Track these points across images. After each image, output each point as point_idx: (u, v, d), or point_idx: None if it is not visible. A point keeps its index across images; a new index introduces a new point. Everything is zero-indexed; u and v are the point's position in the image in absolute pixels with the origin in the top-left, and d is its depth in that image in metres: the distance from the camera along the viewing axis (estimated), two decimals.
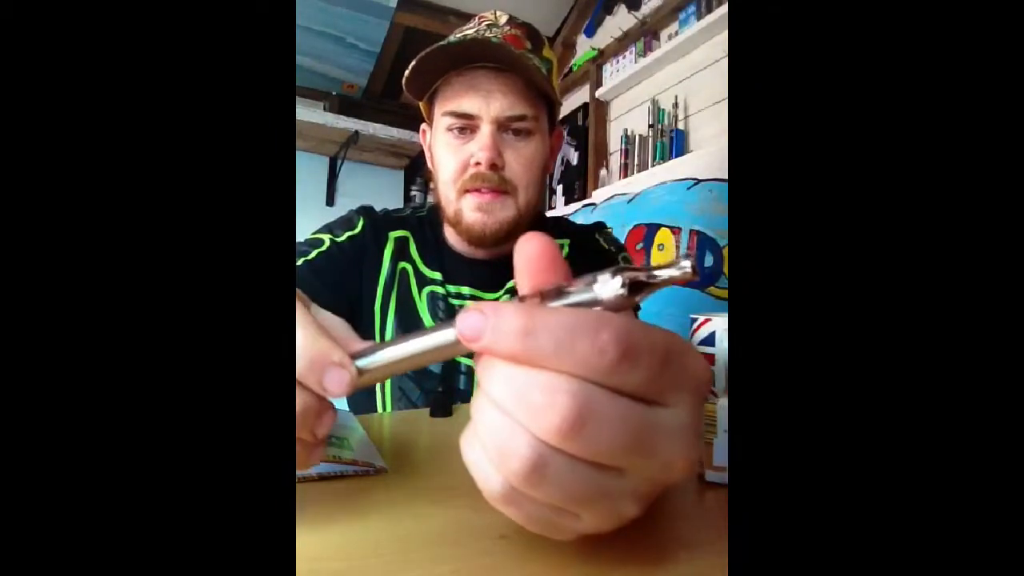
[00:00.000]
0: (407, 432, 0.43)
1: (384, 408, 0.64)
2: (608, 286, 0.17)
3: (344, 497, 0.26)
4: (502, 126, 0.60)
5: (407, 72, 0.60)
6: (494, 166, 0.59)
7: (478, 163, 0.59)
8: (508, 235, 0.61)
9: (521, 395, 0.16)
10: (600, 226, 0.77)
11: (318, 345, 0.19)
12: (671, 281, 0.17)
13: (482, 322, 0.16)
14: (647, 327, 0.17)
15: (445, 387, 0.48)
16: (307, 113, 2.24)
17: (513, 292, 0.67)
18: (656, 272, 0.17)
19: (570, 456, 0.16)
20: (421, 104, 0.66)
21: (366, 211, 0.69)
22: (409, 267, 0.67)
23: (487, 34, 0.60)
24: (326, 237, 0.64)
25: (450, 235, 0.67)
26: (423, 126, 0.69)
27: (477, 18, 0.65)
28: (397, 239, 0.67)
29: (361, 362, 0.19)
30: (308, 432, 0.20)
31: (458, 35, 0.63)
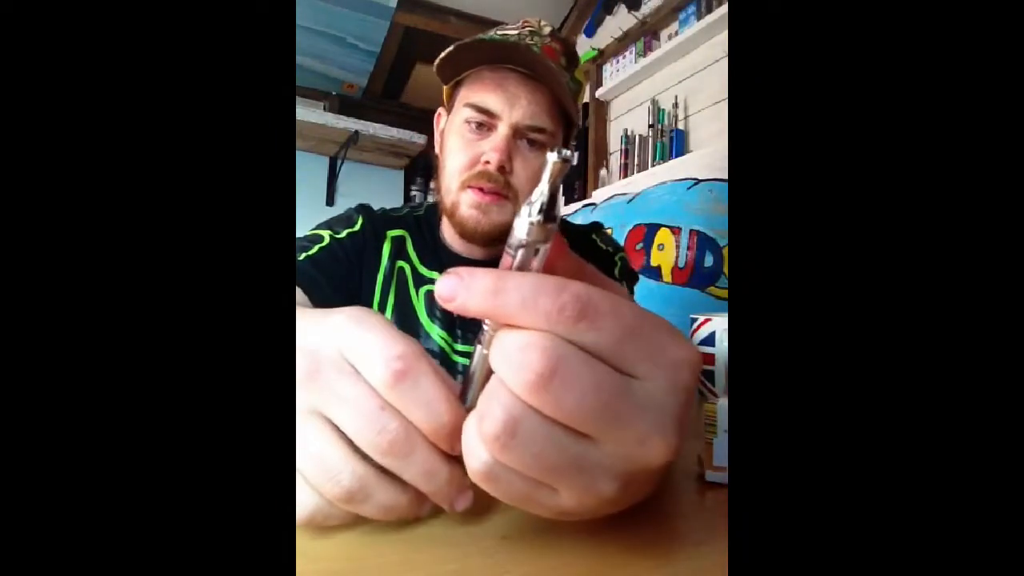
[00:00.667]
0: None
1: None
2: (521, 222, 0.18)
3: None
4: (519, 133, 0.60)
5: (442, 55, 0.60)
6: (502, 168, 0.59)
7: (487, 162, 0.59)
8: (500, 237, 0.61)
9: (502, 352, 0.17)
10: (597, 226, 0.77)
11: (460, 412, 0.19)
12: (553, 177, 0.17)
13: (456, 283, 0.17)
14: (614, 298, 0.17)
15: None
16: (307, 113, 2.24)
17: None
18: (540, 189, 0.18)
19: (542, 418, 0.17)
20: (445, 88, 0.66)
21: (365, 209, 0.70)
22: (407, 266, 0.67)
23: (528, 41, 0.61)
24: (326, 233, 0.65)
25: (447, 234, 0.68)
26: (440, 109, 0.69)
27: (522, 22, 0.66)
28: (395, 238, 0.68)
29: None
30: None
31: (500, 34, 0.63)
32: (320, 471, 0.19)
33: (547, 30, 0.63)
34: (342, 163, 2.60)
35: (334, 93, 2.63)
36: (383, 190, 2.75)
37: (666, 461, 0.18)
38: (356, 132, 2.35)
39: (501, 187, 0.60)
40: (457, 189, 0.61)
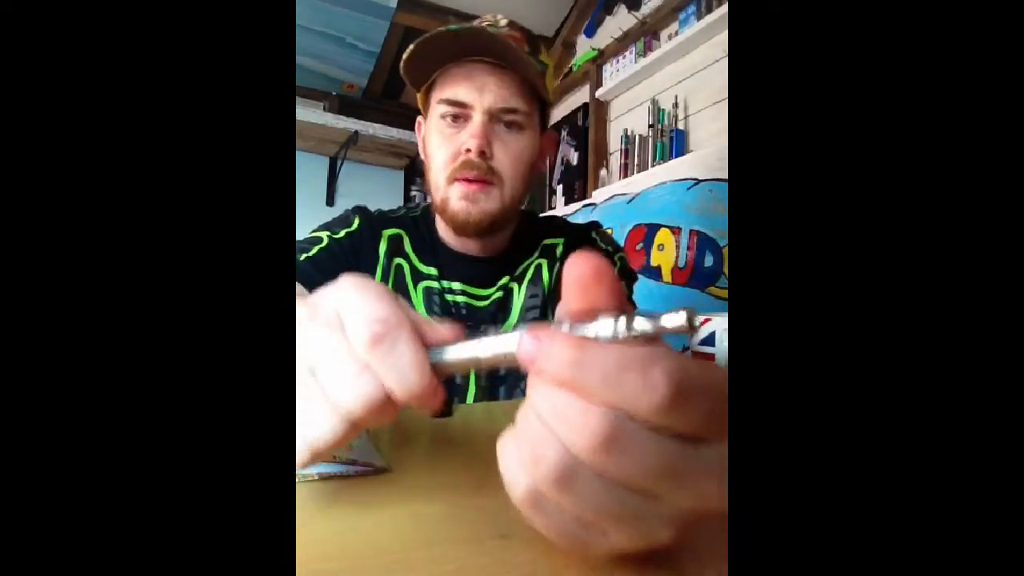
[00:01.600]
0: (407, 432, 0.43)
1: None
2: (606, 330, 0.17)
3: (344, 497, 0.26)
4: (494, 117, 0.62)
5: (406, 55, 0.61)
6: (483, 154, 0.61)
7: (468, 150, 0.60)
8: (492, 225, 0.64)
9: (559, 410, 0.16)
10: (596, 225, 0.78)
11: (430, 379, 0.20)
12: (663, 332, 0.16)
13: (536, 348, 0.17)
14: (704, 365, 0.16)
15: (445, 387, 0.49)
16: (307, 113, 2.24)
17: (504, 289, 0.69)
18: (649, 325, 0.16)
19: (599, 472, 0.16)
20: (418, 95, 0.68)
21: (361, 210, 0.72)
22: (404, 263, 0.68)
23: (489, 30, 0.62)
24: (324, 235, 0.66)
25: (443, 231, 0.69)
26: (419, 118, 0.71)
27: (479, 20, 0.67)
28: (391, 236, 0.69)
29: (434, 357, 0.21)
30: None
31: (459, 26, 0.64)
32: (307, 425, 0.20)
33: (504, 22, 0.64)
34: (342, 163, 2.60)
35: (334, 93, 2.63)
36: (383, 190, 2.75)
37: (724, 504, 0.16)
38: (356, 132, 2.35)
39: (485, 173, 0.61)
40: (445, 184, 0.63)
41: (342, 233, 0.67)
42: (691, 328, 0.16)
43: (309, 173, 2.55)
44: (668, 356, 0.16)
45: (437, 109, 0.63)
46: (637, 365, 0.16)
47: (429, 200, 0.68)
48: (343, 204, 2.54)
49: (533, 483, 0.17)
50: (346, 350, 0.20)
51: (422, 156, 0.69)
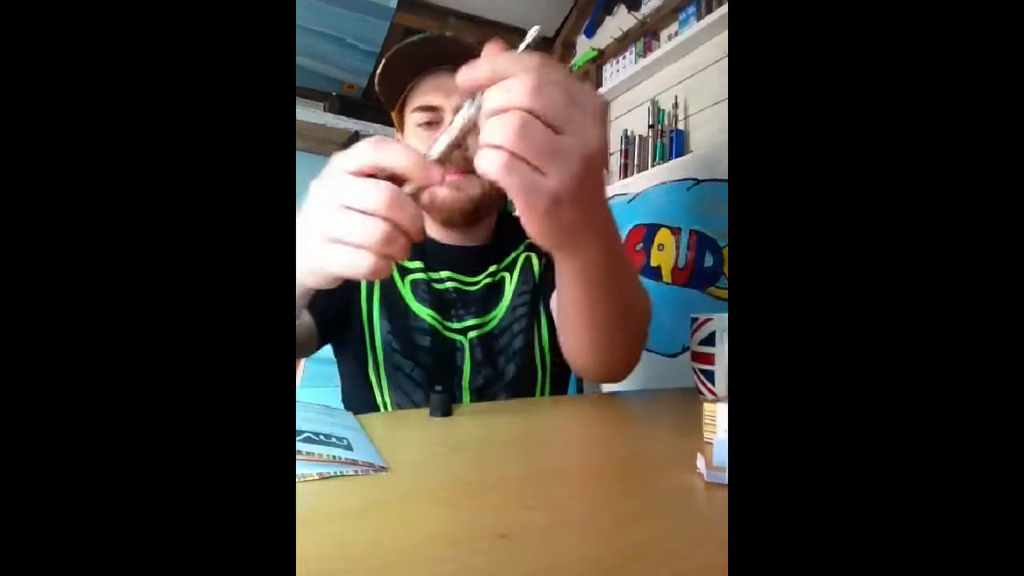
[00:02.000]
0: (407, 432, 0.43)
1: (384, 408, 0.64)
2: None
3: (344, 497, 0.26)
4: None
5: (377, 74, 0.66)
6: (458, 147, 0.63)
7: None
8: (476, 211, 0.68)
9: (510, 83, 0.28)
10: None
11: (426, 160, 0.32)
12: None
13: (468, 71, 0.29)
14: (571, 81, 0.29)
15: (444, 387, 0.50)
16: (307, 113, 2.24)
17: (493, 276, 0.71)
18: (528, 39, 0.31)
19: (536, 119, 0.27)
20: (393, 114, 0.73)
21: None
22: None
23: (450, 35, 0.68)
24: None
25: (429, 226, 0.72)
26: (397, 135, 0.75)
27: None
28: None
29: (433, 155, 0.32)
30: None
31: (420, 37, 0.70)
32: (362, 232, 0.31)
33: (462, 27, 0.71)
34: None
35: (334, 93, 2.63)
36: None
37: (598, 148, 0.29)
38: (356, 132, 2.35)
39: (463, 164, 0.65)
40: None
41: None
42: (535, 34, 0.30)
43: (309, 173, 2.53)
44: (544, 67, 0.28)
45: (412, 119, 0.68)
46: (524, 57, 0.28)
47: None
48: None
49: (505, 154, 0.27)
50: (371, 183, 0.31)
51: None
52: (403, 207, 0.31)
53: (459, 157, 0.65)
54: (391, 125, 0.75)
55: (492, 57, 0.28)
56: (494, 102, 0.27)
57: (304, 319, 0.61)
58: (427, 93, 0.67)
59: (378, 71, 0.66)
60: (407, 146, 0.31)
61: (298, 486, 0.27)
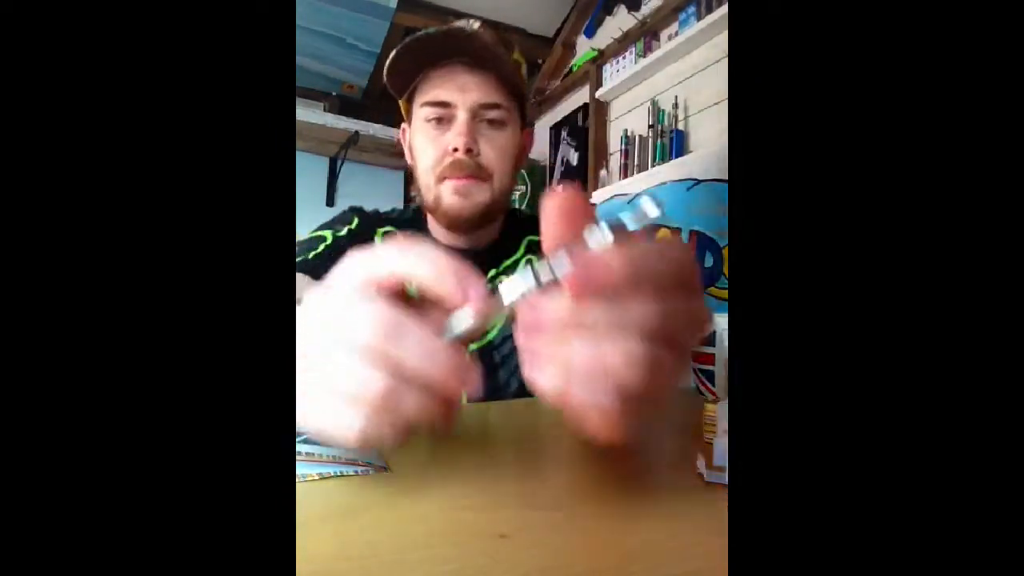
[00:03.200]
0: None
1: None
2: (596, 238, 0.21)
3: (344, 497, 0.26)
4: (476, 115, 0.63)
5: (388, 62, 0.63)
6: (470, 151, 0.62)
7: (455, 149, 0.62)
8: (483, 219, 0.66)
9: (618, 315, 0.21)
10: None
11: (457, 352, 0.21)
12: (640, 224, 0.21)
13: (537, 311, 0.21)
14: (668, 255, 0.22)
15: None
16: (307, 113, 2.24)
17: (492, 282, 0.70)
18: (626, 221, 0.21)
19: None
20: (401, 103, 0.70)
21: (358, 210, 0.75)
22: None
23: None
24: (328, 233, 0.68)
25: (434, 228, 0.71)
26: (403, 125, 0.72)
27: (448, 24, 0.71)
28: (384, 234, 0.72)
29: (456, 331, 0.22)
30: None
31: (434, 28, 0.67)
32: (353, 383, 0.21)
33: (476, 25, 0.66)
34: (342, 163, 2.60)
35: (334, 93, 2.63)
36: (383, 190, 2.75)
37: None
38: (356, 132, 2.35)
39: (474, 170, 0.63)
40: (435, 183, 0.64)
41: (344, 231, 0.69)
42: (657, 208, 0.21)
43: (309, 173, 2.55)
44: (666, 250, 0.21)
45: (421, 113, 0.65)
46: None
47: (420, 202, 0.70)
48: (343, 204, 2.53)
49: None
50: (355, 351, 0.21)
51: (409, 161, 0.71)
52: (433, 356, 0.21)
53: (469, 163, 0.62)
54: (392, 125, 0.72)
55: (634, 247, 0.20)
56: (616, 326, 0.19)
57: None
58: (439, 87, 0.63)
59: (389, 60, 0.63)
60: (453, 259, 0.22)
61: (298, 486, 0.27)
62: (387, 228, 0.72)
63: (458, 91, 0.63)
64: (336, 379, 0.21)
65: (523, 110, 0.70)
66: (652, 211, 0.21)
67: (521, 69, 0.69)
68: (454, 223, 0.66)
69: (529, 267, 0.21)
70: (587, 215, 0.21)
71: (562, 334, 0.20)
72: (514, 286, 0.22)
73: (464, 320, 0.22)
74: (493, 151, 0.64)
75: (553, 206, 0.22)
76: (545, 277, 0.21)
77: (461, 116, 0.62)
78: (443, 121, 0.64)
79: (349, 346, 0.21)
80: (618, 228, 0.21)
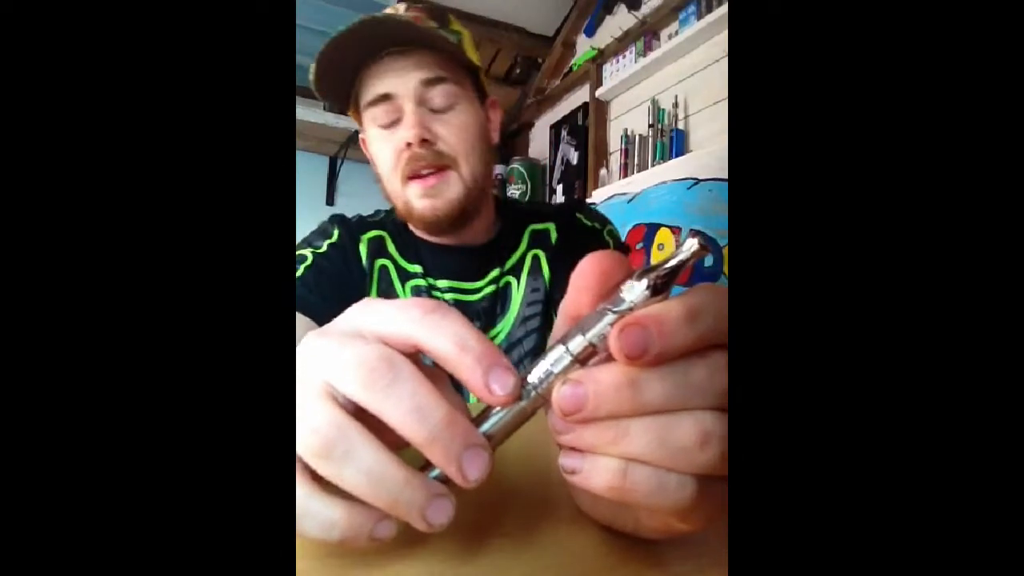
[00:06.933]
0: None
1: None
2: (635, 291, 0.17)
3: None
4: (422, 100, 0.58)
5: (312, 77, 0.58)
6: (424, 141, 0.57)
7: (409, 143, 0.57)
8: (463, 216, 0.60)
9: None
10: (578, 203, 0.75)
11: (459, 416, 0.17)
12: (686, 263, 0.17)
13: (581, 391, 0.16)
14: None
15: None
16: (307, 113, 2.24)
17: (497, 282, 0.66)
18: (669, 263, 0.17)
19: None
20: (351, 114, 0.65)
21: (339, 219, 0.70)
22: (389, 263, 0.66)
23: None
24: (308, 252, 0.64)
25: (417, 229, 0.67)
26: (360, 136, 0.67)
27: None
28: (371, 239, 0.67)
29: (484, 428, 0.18)
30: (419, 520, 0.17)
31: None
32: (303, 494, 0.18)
33: (402, 7, 0.61)
34: (342, 163, 2.60)
35: None
36: None
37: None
38: (356, 132, 2.35)
39: (434, 160, 0.58)
40: (401, 187, 0.60)
41: (324, 246, 0.65)
42: (705, 249, 0.17)
43: (309, 173, 2.55)
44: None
45: (368, 116, 0.60)
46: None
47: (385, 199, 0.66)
48: (343, 204, 2.54)
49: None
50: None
51: (374, 172, 0.66)
52: (382, 479, 0.17)
53: (426, 154, 0.57)
54: (361, 126, 0.68)
55: (689, 295, 0.17)
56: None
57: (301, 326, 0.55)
58: (374, 83, 0.58)
59: (312, 72, 0.57)
60: (478, 337, 0.18)
61: None
62: (373, 233, 0.67)
63: (395, 79, 0.57)
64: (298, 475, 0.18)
65: (478, 82, 0.65)
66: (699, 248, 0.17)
67: (464, 40, 0.63)
68: (432, 227, 0.61)
69: (559, 345, 0.18)
70: (626, 276, 0.18)
71: (617, 416, 0.16)
72: (542, 367, 0.18)
73: (488, 420, 0.18)
74: (451, 134, 0.59)
75: (591, 266, 0.18)
76: (579, 346, 0.17)
77: (407, 107, 0.57)
78: (395, 123, 0.59)
79: (303, 449, 0.17)
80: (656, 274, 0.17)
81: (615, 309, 0.17)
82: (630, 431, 0.16)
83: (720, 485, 0.17)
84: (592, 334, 0.17)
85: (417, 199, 0.59)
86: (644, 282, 0.17)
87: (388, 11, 0.61)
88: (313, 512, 0.17)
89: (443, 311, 0.18)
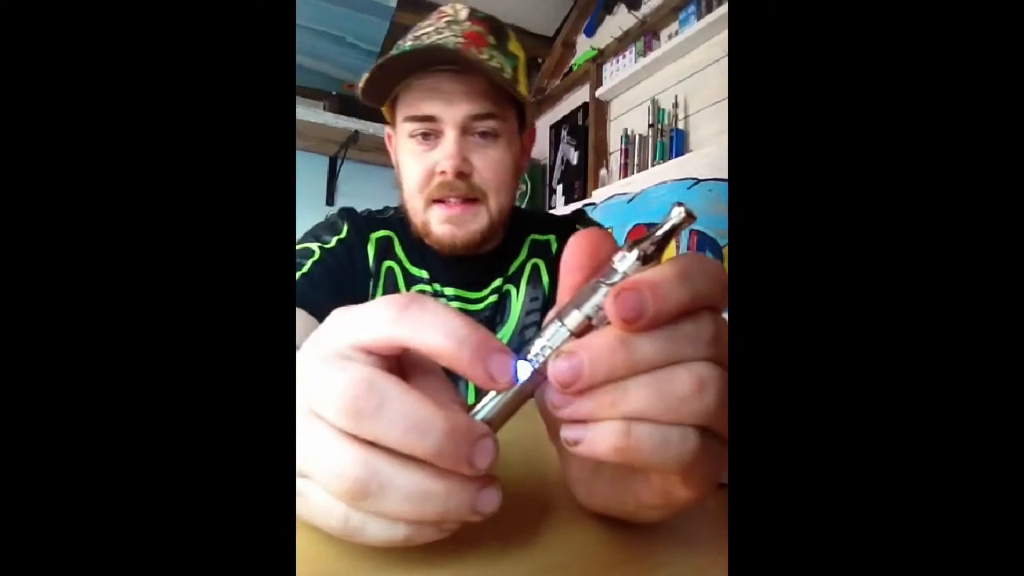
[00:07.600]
0: None
1: None
2: (627, 261, 0.17)
3: None
4: (467, 129, 0.57)
5: (362, 84, 0.57)
6: (461, 174, 0.56)
7: (444, 172, 0.55)
8: (481, 243, 0.60)
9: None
10: (579, 215, 0.75)
11: (457, 418, 0.17)
12: (675, 231, 0.18)
13: (576, 362, 0.16)
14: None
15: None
16: (307, 113, 2.24)
17: (499, 291, 0.65)
18: (657, 232, 0.18)
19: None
20: (384, 108, 0.63)
21: (348, 213, 0.68)
22: (395, 265, 0.66)
23: (446, 33, 0.57)
24: (315, 246, 0.63)
25: None
26: (387, 129, 0.65)
27: (437, 13, 0.62)
28: (379, 239, 0.66)
29: (480, 415, 0.18)
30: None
31: (416, 35, 0.60)
32: (324, 467, 0.17)
33: (464, 13, 0.59)
34: (342, 163, 2.60)
35: (334, 93, 2.63)
36: (383, 190, 2.74)
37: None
38: (356, 132, 2.35)
39: (467, 192, 0.56)
40: (423, 208, 0.58)
41: (333, 241, 0.64)
42: (692, 217, 0.18)
43: (309, 173, 2.55)
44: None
45: (404, 128, 0.58)
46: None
47: (401, 209, 0.64)
48: (343, 204, 2.53)
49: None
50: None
51: (395, 170, 0.64)
52: (423, 426, 0.16)
53: (461, 185, 0.55)
54: (392, 124, 0.64)
55: (678, 260, 0.17)
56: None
57: (303, 323, 0.54)
58: (422, 99, 0.56)
59: (363, 83, 0.57)
60: (469, 324, 0.17)
61: None
62: (381, 233, 0.66)
63: (444, 104, 0.55)
64: (309, 463, 0.17)
65: (522, 114, 0.63)
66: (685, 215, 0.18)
67: (519, 65, 0.61)
68: (447, 250, 0.59)
69: (555, 321, 0.18)
70: (613, 252, 0.18)
71: (614, 378, 0.16)
72: (539, 344, 0.18)
73: (487, 404, 0.18)
74: (487, 169, 0.57)
75: (579, 245, 0.19)
76: (576, 321, 0.17)
77: (449, 134, 0.55)
78: (430, 137, 0.57)
79: (320, 421, 0.17)
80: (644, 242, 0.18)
81: (608, 281, 0.17)
82: (628, 391, 0.16)
83: (720, 445, 0.18)
84: (588, 307, 0.17)
85: (438, 223, 0.58)
86: (635, 252, 0.17)
87: (447, 10, 0.59)
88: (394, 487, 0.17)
89: (419, 303, 0.18)
